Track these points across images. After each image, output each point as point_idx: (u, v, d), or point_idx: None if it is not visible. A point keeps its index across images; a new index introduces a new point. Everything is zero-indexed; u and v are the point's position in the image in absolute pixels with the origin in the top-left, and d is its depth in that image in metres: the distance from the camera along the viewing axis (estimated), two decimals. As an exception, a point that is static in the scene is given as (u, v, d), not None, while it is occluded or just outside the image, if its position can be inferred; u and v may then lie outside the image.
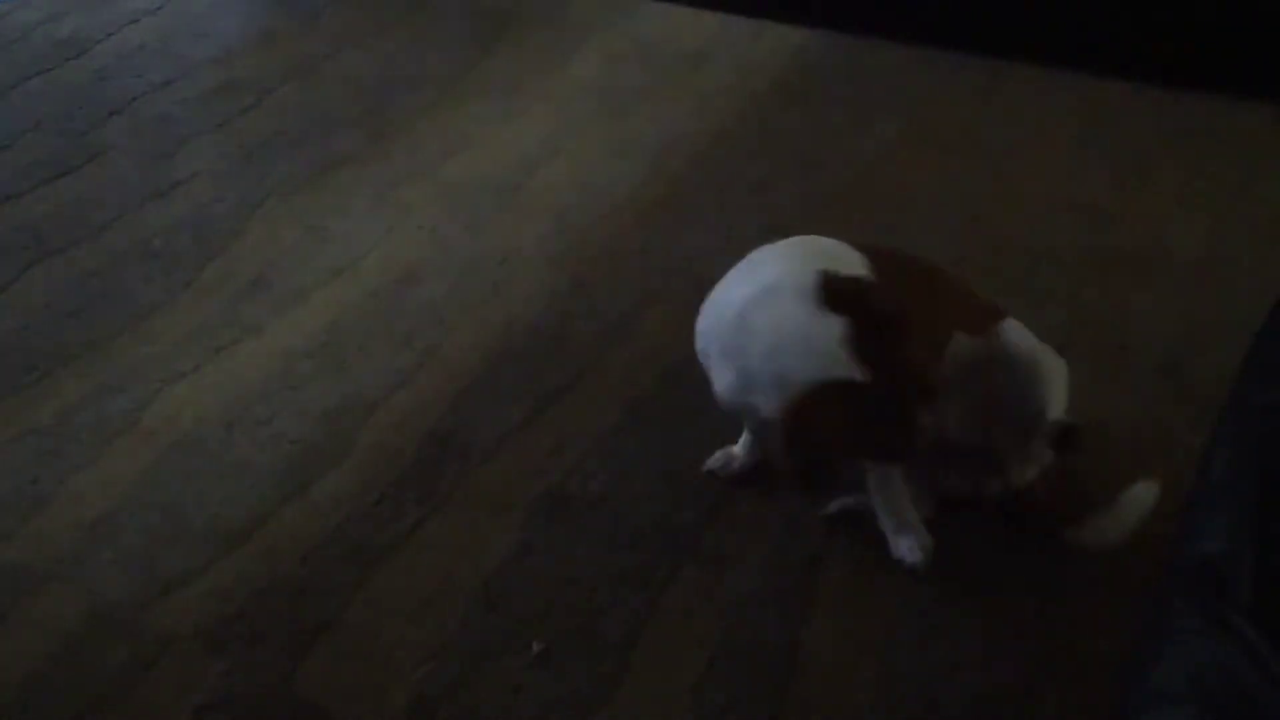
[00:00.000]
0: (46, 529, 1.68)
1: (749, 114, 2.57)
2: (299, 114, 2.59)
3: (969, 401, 1.55)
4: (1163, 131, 2.47)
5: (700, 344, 1.55)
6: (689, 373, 1.91)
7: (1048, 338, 1.63)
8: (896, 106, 2.58)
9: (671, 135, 2.50)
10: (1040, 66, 2.67)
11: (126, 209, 2.30)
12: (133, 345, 1.99)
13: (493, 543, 1.65)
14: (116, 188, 2.37)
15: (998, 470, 1.62)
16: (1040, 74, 2.66)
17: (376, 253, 2.20)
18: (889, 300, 1.41)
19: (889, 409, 1.38)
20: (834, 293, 1.40)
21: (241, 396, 1.89)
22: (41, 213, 2.30)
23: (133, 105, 2.61)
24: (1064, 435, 1.58)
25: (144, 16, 2.94)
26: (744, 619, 1.55)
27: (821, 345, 1.37)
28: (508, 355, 1.97)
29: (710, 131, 2.52)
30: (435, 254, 2.19)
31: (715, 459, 1.73)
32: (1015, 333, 1.59)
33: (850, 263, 1.49)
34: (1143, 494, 1.55)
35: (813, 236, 1.58)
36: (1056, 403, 1.58)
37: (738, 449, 1.72)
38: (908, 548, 1.57)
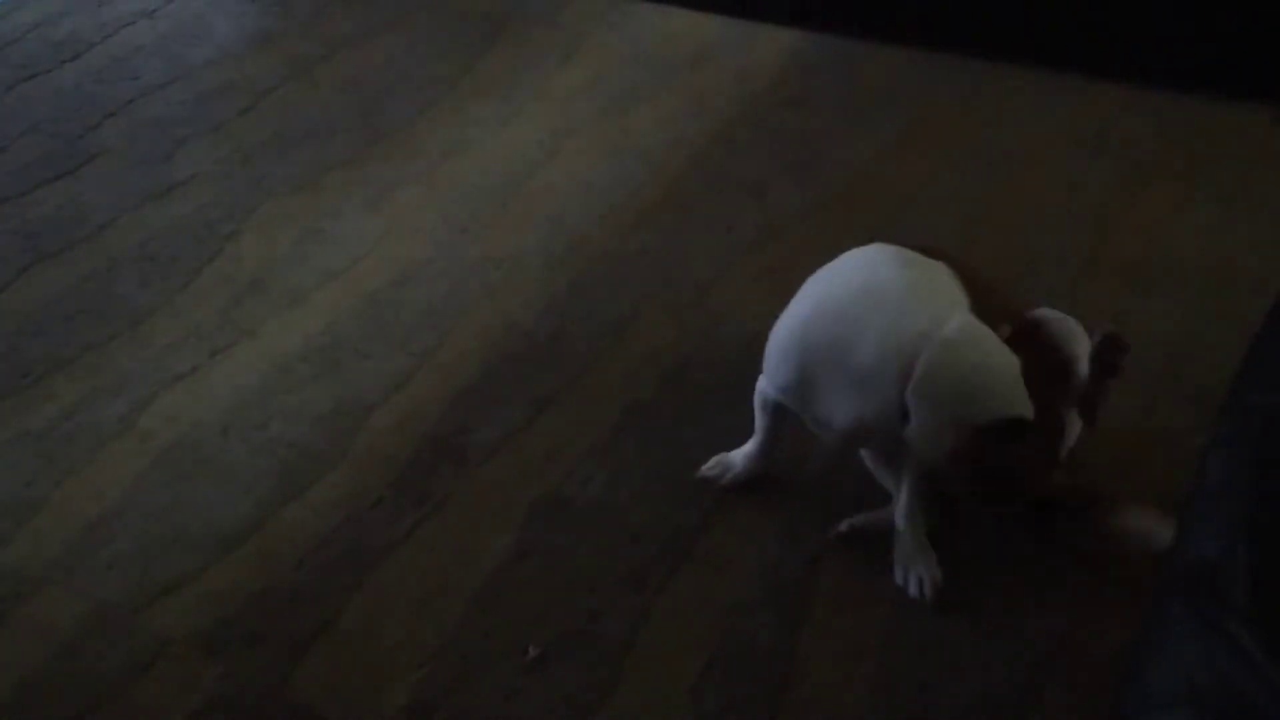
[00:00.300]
0: (42, 532, 1.68)
1: (748, 115, 2.57)
2: (296, 116, 2.58)
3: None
4: (1163, 133, 2.47)
5: (794, 376, 1.52)
6: (688, 376, 1.91)
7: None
8: (895, 108, 2.58)
9: (670, 137, 2.50)
10: (1040, 68, 2.66)
11: (123, 211, 2.30)
12: (129, 348, 1.99)
13: (490, 546, 1.65)
14: (113, 190, 2.36)
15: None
16: (1040, 76, 2.65)
17: (374, 255, 2.19)
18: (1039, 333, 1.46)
19: (1043, 445, 1.41)
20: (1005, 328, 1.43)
21: (238, 399, 1.88)
22: (38, 215, 2.29)
23: (129, 107, 2.61)
24: (1107, 347, 1.51)
25: (141, 18, 2.93)
26: (742, 622, 1.55)
27: (1006, 382, 1.39)
28: (505, 358, 1.96)
29: (709, 133, 2.51)
30: (433, 256, 2.19)
31: (710, 467, 1.72)
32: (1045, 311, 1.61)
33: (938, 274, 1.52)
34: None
35: (873, 248, 1.59)
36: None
37: (737, 457, 1.71)
38: (915, 580, 1.56)
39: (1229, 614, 1.01)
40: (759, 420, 1.66)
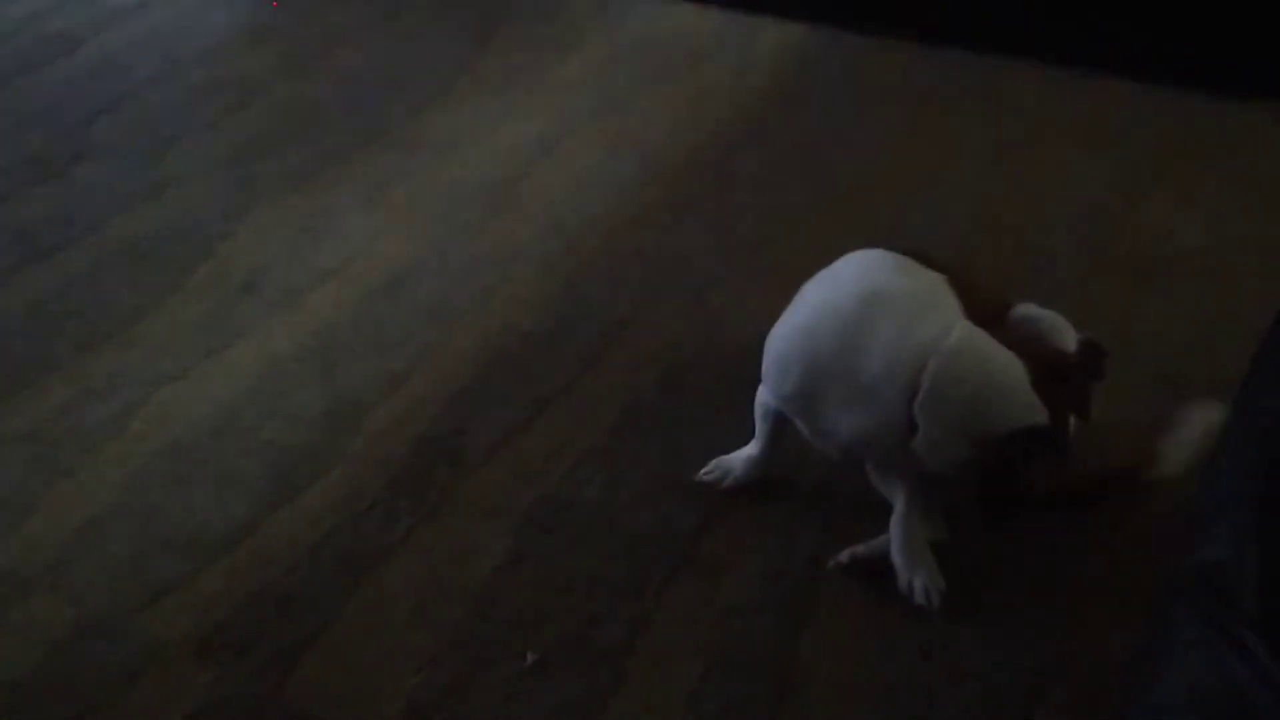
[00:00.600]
0: (32, 535, 1.66)
1: (748, 111, 2.56)
2: (290, 113, 2.56)
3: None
4: (1167, 131, 2.46)
5: (796, 386, 1.50)
6: (687, 376, 1.90)
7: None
8: (897, 104, 2.57)
9: (669, 133, 2.48)
10: (1043, 65, 2.65)
11: (114, 210, 2.28)
12: (120, 349, 1.96)
13: (487, 549, 1.63)
14: (104, 188, 2.34)
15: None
16: (1043, 72, 2.64)
17: (368, 254, 2.17)
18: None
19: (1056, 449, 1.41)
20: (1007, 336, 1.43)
21: (231, 401, 1.86)
22: (28, 214, 2.27)
23: (121, 104, 2.59)
24: (1087, 352, 1.52)
25: (133, 14, 2.91)
26: (741, 627, 1.53)
27: (1019, 390, 1.38)
28: (502, 358, 1.94)
29: (708, 129, 2.50)
30: (428, 255, 2.17)
31: (710, 470, 1.70)
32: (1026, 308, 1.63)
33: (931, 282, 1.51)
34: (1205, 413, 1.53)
35: (870, 254, 1.58)
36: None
37: (737, 461, 1.69)
38: (920, 589, 1.54)
39: (1236, 620, 0.99)
40: (759, 427, 1.65)
